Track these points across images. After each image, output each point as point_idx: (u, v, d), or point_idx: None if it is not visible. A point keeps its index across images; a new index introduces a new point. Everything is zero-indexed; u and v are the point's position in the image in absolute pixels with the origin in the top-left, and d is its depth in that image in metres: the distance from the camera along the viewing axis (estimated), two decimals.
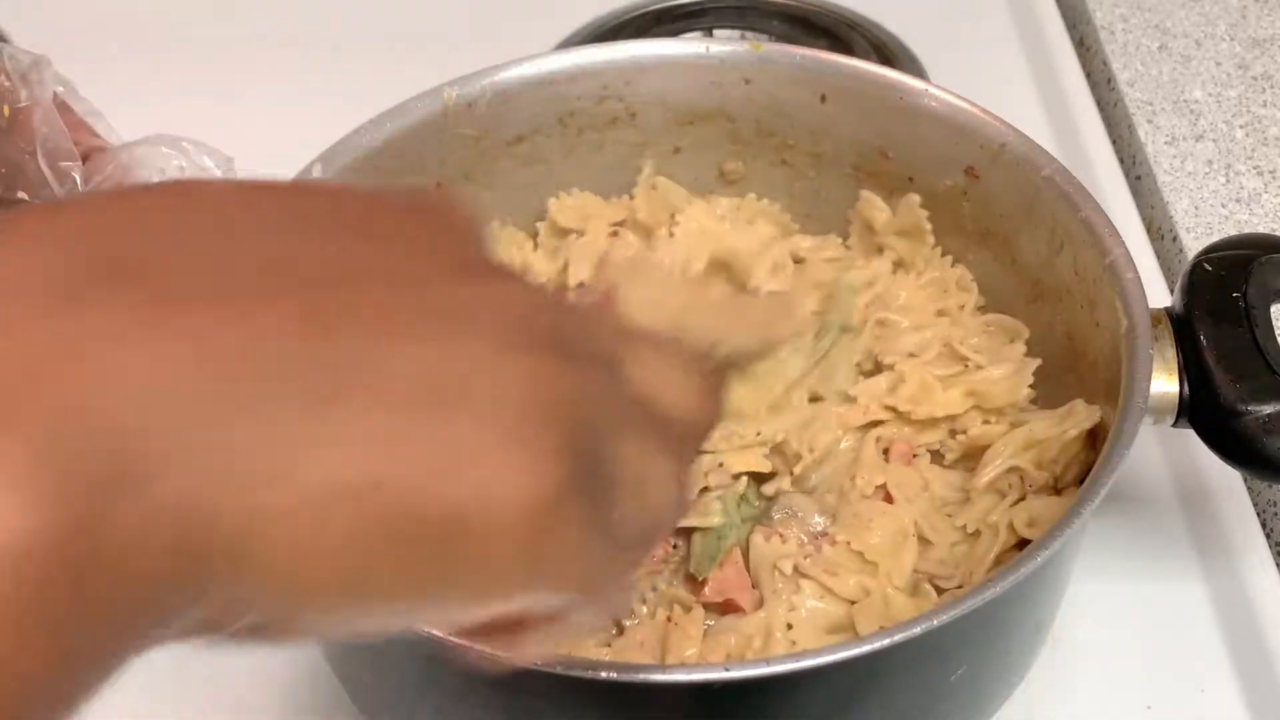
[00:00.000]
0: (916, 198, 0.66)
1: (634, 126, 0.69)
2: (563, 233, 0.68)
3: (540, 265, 0.68)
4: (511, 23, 1.01)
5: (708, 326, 0.48)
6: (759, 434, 0.58)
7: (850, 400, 0.61)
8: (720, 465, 0.56)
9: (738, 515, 0.56)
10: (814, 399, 0.61)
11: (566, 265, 0.66)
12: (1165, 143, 0.88)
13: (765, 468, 0.57)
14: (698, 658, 0.52)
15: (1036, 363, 0.61)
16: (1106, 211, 0.58)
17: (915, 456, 0.60)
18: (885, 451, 0.59)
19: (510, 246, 0.69)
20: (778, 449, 0.58)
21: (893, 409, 0.60)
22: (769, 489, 0.57)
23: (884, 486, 0.58)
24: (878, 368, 0.62)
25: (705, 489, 0.56)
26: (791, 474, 0.57)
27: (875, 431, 0.59)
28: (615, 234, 0.67)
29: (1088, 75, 0.95)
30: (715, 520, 0.55)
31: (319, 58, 1.00)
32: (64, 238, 0.23)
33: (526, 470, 0.24)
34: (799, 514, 0.58)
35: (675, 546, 0.56)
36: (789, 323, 0.56)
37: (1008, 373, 0.61)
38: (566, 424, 0.26)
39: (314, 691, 0.62)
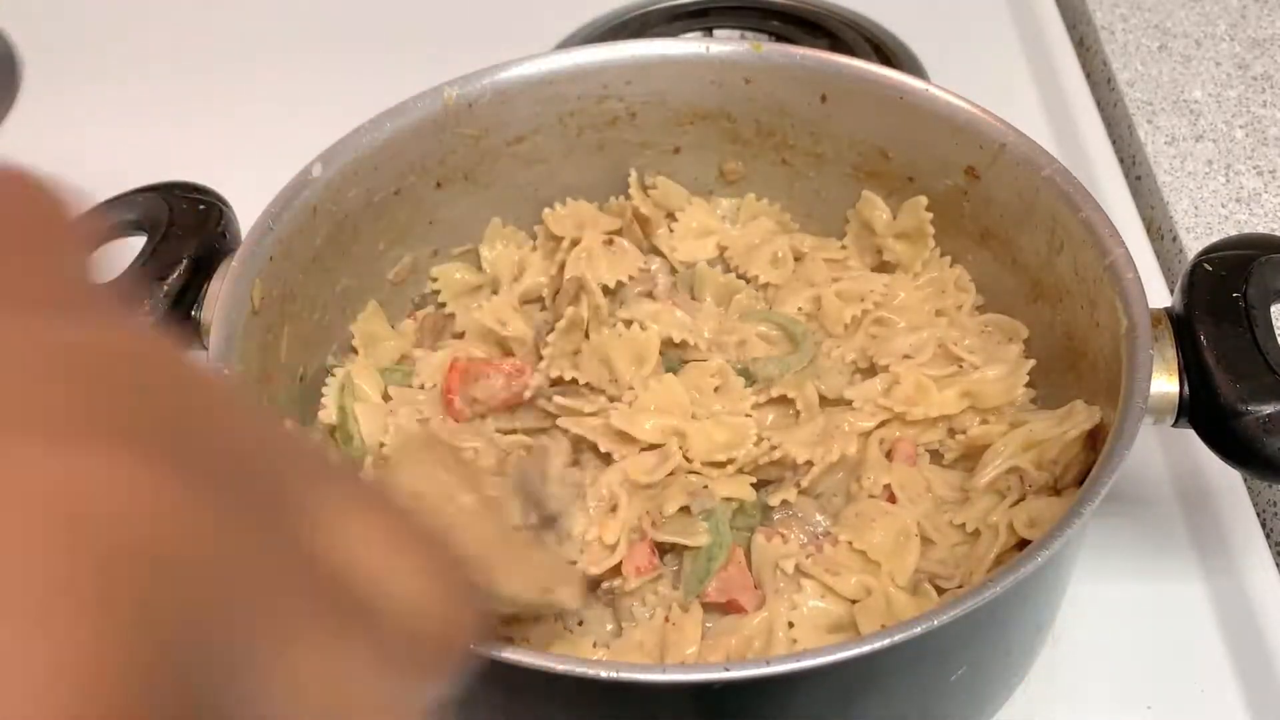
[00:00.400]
0: (923, 199, 0.66)
1: (634, 126, 0.69)
2: (558, 239, 0.68)
3: (539, 265, 0.68)
4: (511, 23, 1.01)
5: (484, 553, 0.41)
6: (774, 446, 0.57)
7: (845, 403, 0.61)
8: (705, 488, 0.56)
9: (729, 533, 0.56)
10: (822, 399, 0.61)
11: (563, 268, 0.66)
12: (1165, 143, 0.88)
13: (750, 496, 0.57)
14: (697, 658, 0.52)
15: (1031, 363, 0.61)
16: (1106, 211, 0.58)
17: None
18: (889, 453, 0.59)
19: (510, 246, 0.70)
20: (784, 460, 0.58)
21: (888, 409, 0.60)
22: (773, 499, 0.57)
23: (889, 487, 0.58)
24: (872, 369, 0.62)
25: (686, 509, 0.56)
26: (799, 485, 0.57)
27: (879, 433, 0.59)
28: (610, 241, 0.67)
29: (1088, 75, 0.95)
30: (702, 540, 0.55)
31: (319, 58, 1.00)
32: None
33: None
34: (800, 515, 0.58)
35: (663, 559, 0.56)
36: (568, 590, 0.45)
37: (1003, 373, 0.61)
38: (136, 620, 0.15)
39: None
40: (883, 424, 0.60)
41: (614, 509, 0.55)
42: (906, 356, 0.61)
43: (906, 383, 0.60)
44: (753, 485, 0.57)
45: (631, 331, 0.62)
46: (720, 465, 0.57)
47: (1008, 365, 0.61)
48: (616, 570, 0.54)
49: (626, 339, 0.62)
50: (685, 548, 0.56)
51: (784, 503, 0.57)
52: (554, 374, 0.61)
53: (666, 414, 0.59)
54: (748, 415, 0.60)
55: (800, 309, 0.65)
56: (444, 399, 0.62)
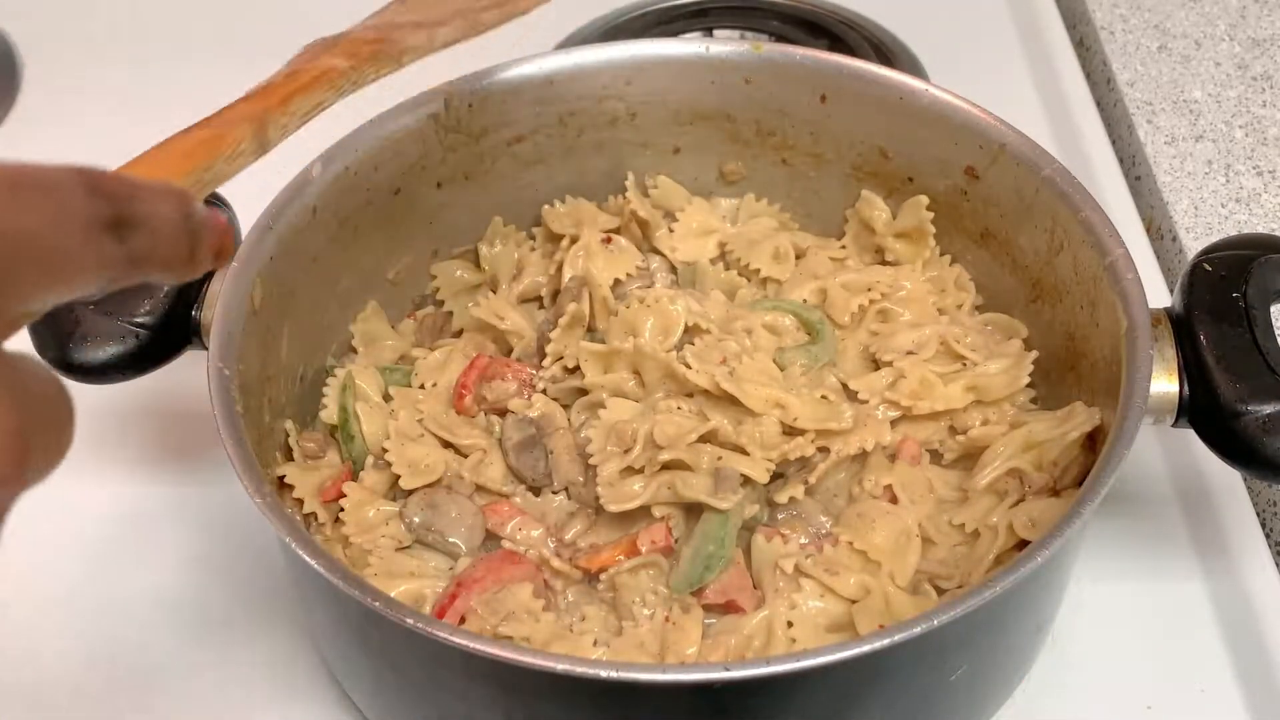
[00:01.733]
0: (924, 199, 0.66)
1: (634, 126, 0.69)
2: (557, 239, 0.68)
3: (537, 265, 0.68)
4: (512, 23, 1.01)
5: None
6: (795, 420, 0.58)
7: (852, 394, 0.61)
8: (719, 459, 0.56)
9: (732, 547, 0.56)
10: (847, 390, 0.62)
11: (560, 267, 0.66)
12: (1165, 143, 0.88)
13: (764, 478, 0.56)
14: (697, 657, 0.52)
15: (1034, 354, 0.61)
16: (1106, 211, 0.58)
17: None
18: (893, 455, 0.59)
19: (509, 245, 0.70)
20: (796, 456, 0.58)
21: (894, 403, 0.60)
22: (781, 496, 0.57)
23: (889, 488, 0.58)
24: (875, 365, 0.62)
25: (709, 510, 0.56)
26: (806, 482, 0.57)
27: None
28: (608, 239, 0.67)
29: (1088, 75, 0.95)
30: (726, 505, 0.55)
31: None
32: None
33: None
34: (803, 515, 0.58)
35: (677, 541, 0.56)
36: None
37: (1006, 365, 0.61)
38: None
39: (315, 693, 0.62)
40: (892, 424, 0.60)
41: (640, 468, 0.56)
42: (910, 353, 0.61)
43: (912, 377, 0.60)
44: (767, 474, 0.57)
45: (660, 304, 0.62)
46: (743, 450, 0.57)
47: (1010, 359, 0.61)
48: (614, 559, 0.55)
49: (655, 310, 0.62)
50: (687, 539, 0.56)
51: (791, 500, 0.57)
52: (571, 364, 0.61)
53: (767, 385, 0.59)
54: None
55: (805, 300, 0.65)
56: (456, 391, 0.62)
